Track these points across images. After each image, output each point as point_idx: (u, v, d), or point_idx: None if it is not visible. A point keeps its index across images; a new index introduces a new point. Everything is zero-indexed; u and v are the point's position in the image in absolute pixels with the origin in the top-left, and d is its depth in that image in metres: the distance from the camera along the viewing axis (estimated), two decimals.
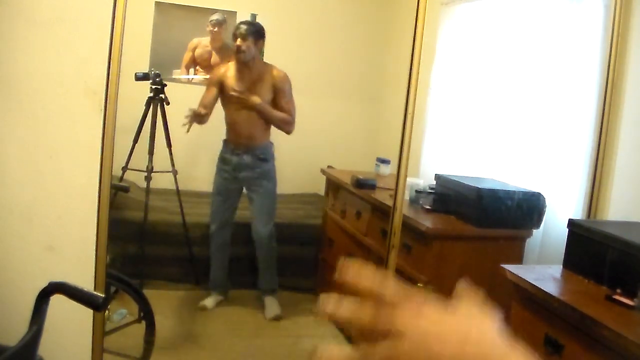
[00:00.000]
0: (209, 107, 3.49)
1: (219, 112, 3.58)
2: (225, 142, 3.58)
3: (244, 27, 3.41)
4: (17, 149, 1.86)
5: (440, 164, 3.58)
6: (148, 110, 3.69)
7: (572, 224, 2.07)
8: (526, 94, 2.98)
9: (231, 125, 3.52)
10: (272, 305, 3.63)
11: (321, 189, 4.31)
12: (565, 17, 2.74)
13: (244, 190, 3.62)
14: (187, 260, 3.84)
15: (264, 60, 3.58)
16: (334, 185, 3.74)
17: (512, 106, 3.09)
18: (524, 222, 2.63)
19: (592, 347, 1.61)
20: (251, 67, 3.45)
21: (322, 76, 4.93)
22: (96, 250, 1.94)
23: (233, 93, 3.40)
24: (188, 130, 3.35)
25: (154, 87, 3.68)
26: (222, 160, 3.58)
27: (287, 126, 3.53)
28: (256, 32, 3.42)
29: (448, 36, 3.65)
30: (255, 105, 3.40)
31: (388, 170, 3.76)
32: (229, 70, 3.51)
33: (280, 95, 3.47)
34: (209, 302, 3.63)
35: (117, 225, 3.58)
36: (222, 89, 3.48)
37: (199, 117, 3.38)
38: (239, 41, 3.37)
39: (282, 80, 3.47)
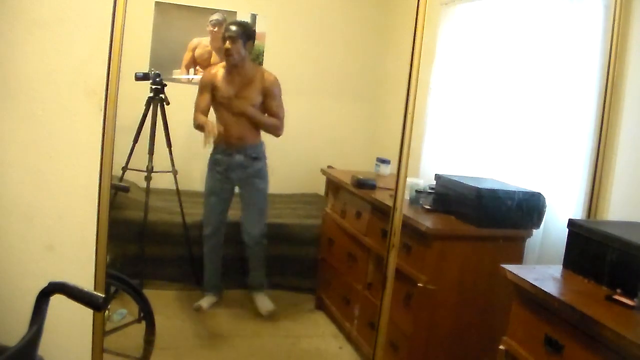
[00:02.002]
0: (206, 112, 3.52)
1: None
2: (216, 143, 3.54)
3: (233, 28, 3.38)
4: (17, 149, 1.86)
5: (440, 164, 3.59)
6: (148, 110, 3.70)
7: (572, 224, 2.07)
8: (526, 94, 2.98)
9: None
10: (263, 301, 3.65)
11: (321, 189, 4.32)
12: (565, 17, 2.74)
13: (237, 190, 3.63)
14: (187, 260, 3.84)
15: (265, 58, 3.56)
16: (334, 185, 3.74)
17: (512, 106, 3.09)
18: (524, 222, 2.63)
19: (592, 347, 1.61)
20: (241, 69, 3.43)
21: (322, 76, 4.94)
22: (96, 250, 1.94)
23: (222, 100, 3.43)
24: (205, 145, 3.36)
25: (154, 87, 3.69)
26: (214, 161, 3.58)
27: (276, 131, 3.54)
28: (245, 34, 3.39)
29: (448, 36, 3.65)
30: (244, 112, 3.41)
31: (388, 170, 3.76)
32: (219, 72, 3.50)
33: (270, 99, 3.47)
34: (205, 302, 3.63)
35: (117, 225, 3.59)
36: (213, 92, 3.48)
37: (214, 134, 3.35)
38: (227, 43, 3.35)
39: (272, 83, 3.46)
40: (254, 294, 3.70)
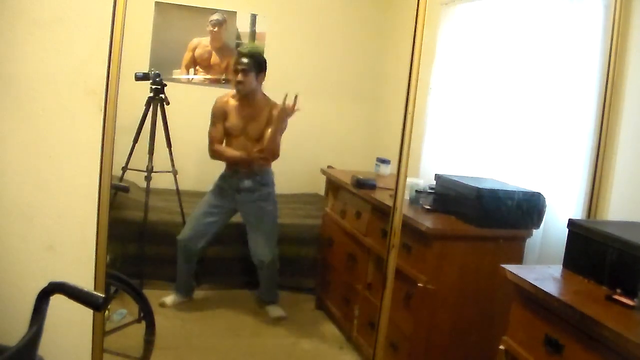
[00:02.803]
0: (221, 143, 3.53)
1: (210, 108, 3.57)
2: (226, 166, 3.57)
3: (244, 60, 3.36)
4: (17, 149, 1.86)
5: (440, 164, 3.59)
6: (148, 110, 3.70)
7: (572, 224, 2.07)
8: (526, 94, 2.98)
9: None
10: (275, 310, 3.64)
11: (321, 189, 4.31)
12: (565, 17, 2.74)
13: (240, 215, 3.61)
14: None
15: (265, 57, 3.52)
16: (334, 185, 3.74)
17: (512, 106, 3.09)
18: (524, 222, 2.63)
19: (592, 347, 1.61)
20: (251, 99, 3.43)
21: (322, 76, 4.94)
22: (96, 250, 1.94)
23: (232, 131, 3.45)
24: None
25: (154, 87, 3.69)
26: (223, 179, 3.58)
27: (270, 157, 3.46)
28: (257, 66, 3.39)
29: (448, 36, 3.65)
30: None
31: (388, 170, 3.76)
32: (230, 101, 3.51)
33: (271, 125, 3.36)
34: (169, 300, 3.60)
35: (117, 225, 3.59)
36: (224, 121, 3.49)
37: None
38: (240, 76, 3.35)
39: (280, 115, 3.35)
40: (266, 306, 3.67)
